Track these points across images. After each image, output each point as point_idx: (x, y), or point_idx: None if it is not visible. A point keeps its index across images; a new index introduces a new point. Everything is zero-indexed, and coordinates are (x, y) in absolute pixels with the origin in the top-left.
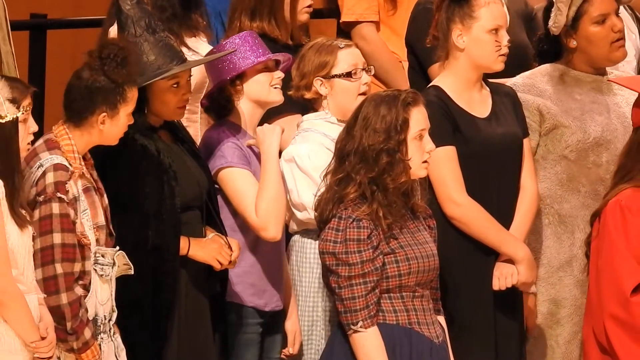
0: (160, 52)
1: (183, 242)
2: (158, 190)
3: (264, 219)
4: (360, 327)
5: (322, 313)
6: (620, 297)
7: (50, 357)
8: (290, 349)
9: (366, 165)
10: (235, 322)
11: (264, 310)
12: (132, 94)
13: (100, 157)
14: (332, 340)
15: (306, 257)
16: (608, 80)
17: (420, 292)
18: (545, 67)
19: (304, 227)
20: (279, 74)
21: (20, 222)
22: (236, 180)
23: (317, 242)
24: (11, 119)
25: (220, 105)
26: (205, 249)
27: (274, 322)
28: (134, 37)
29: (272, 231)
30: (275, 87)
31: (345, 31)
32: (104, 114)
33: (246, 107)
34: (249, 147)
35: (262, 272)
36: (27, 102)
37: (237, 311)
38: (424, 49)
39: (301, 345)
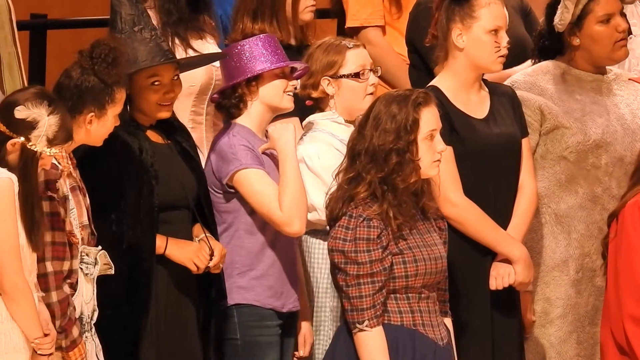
0: (145, 50)
1: (160, 241)
2: (136, 188)
3: (289, 215)
4: (366, 326)
5: (330, 313)
6: None
7: (51, 354)
8: (301, 352)
9: (376, 165)
10: (255, 324)
11: (281, 311)
12: (121, 95)
13: (81, 154)
14: (335, 338)
15: (314, 257)
16: (629, 80)
17: (426, 293)
18: (547, 65)
19: (312, 227)
20: (294, 82)
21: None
22: (254, 180)
23: (325, 242)
24: (35, 150)
25: (232, 103)
26: (182, 250)
27: (290, 323)
28: (120, 33)
29: (296, 226)
30: (288, 94)
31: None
32: (92, 114)
33: (257, 110)
34: (263, 153)
35: (279, 274)
36: (59, 148)
37: (256, 314)
38: (426, 48)
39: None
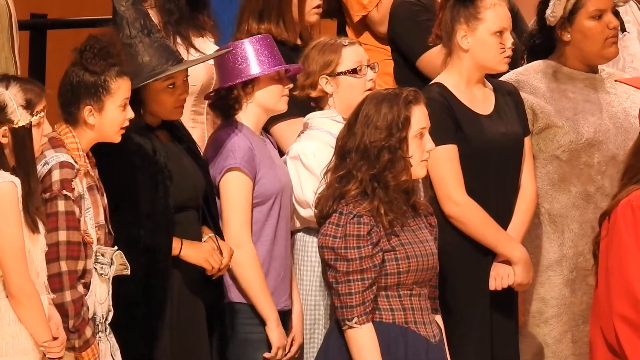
0: (156, 53)
1: (175, 242)
2: (152, 189)
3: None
4: (355, 323)
5: (324, 312)
6: (631, 298)
7: (61, 358)
8: (286, 350)
9: (367, 162)
10: (247, 322)
11: None
12: (117, 85)
13: (95, 155)
14: (328, 336)
15: (307, 256)
16: (615, 81)
17: (417, 290)
18: (539, 64)
19: (306, 225)
20: (289, 85)
21: (32, 226)
22: (236, 187)
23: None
24: (24, 124)
25: (227, 104)
26: (197, 250)
27: (282, 321)
28: (129, 38)
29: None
30: (284, 97)
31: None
32: (89, 107)
33: (253, 111)
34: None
35: (272, 273)
36: (41, 106)
37: (247, 311)
38: (407, 40)
39: (303, 344)
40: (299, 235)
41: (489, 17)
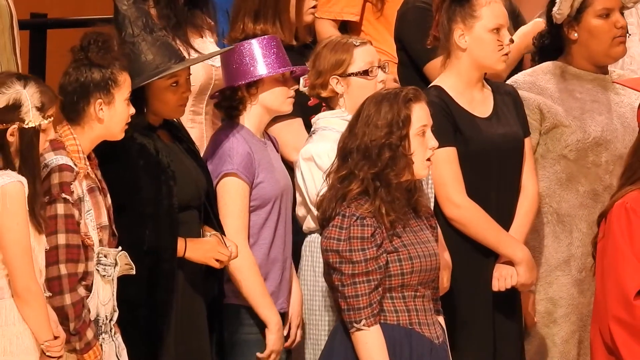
0: (159, 51)
1: (180, 243)
2: (155, 190)
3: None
4: (363, 325)
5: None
6: (624, 299)
7: (61, 357)
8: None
9: (369, 161)
10: (244, 323)
11: None
12: (123, 78)
13: (98, 156)
14: (332, 338)
15: (319, 257)
16: (613, 82)
17: (421, 291)
18: (547, 65)
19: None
20: (295, 87)
21: (38, 227)
22: (234, 192)
23: None
24: (34, 125)
25: (231, 105)
26: (201, 250)
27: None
28: (132, 37)
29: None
30: (289, 98)
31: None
32: (100, 100)
33: (257, 112)
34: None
35: (270, 274)
36: (52, 111)
37: (244, 313)
38: (416, 46)
39: (302, 344)
40: (313, 237)
41: (485, 15)
